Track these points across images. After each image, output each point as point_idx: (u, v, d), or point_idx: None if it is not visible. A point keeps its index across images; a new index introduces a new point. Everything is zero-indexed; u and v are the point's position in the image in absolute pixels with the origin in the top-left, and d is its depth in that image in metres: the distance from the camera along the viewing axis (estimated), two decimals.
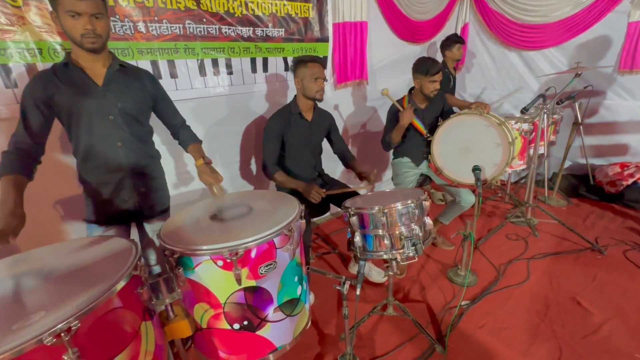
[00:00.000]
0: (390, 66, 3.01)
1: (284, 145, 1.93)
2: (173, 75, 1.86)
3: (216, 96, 2.07)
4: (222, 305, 1.02)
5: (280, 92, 2.38)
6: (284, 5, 2.15)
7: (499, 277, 2.10)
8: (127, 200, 1.36)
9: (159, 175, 1.49)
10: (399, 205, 1.41)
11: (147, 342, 0.92)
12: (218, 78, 2.03)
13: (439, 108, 2.32)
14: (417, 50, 3.20)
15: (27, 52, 1.43)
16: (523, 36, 3.23)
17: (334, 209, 2.15)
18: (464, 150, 2.10)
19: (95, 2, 1.12)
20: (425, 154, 2.27)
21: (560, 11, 2.96)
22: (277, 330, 1.11)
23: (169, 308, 1.09)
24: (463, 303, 1.87)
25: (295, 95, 1.95)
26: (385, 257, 1.45)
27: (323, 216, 2.25)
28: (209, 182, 1.30)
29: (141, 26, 1.69)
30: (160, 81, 1.82)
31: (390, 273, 1.61)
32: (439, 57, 3.30)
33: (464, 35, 3.54)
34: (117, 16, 1.62)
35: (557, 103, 2.77)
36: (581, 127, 2.84)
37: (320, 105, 2.03)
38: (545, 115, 2.46)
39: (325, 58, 2.49)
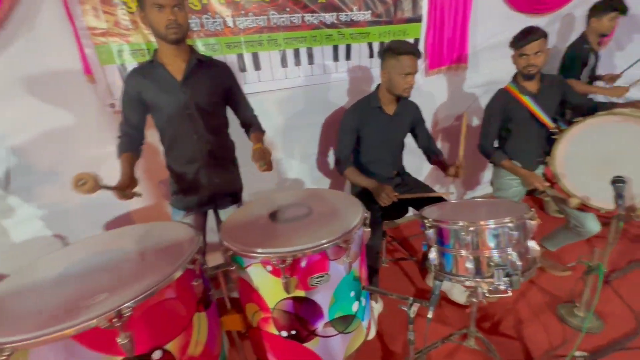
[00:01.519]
0: (499, 46, 2.46)
1: (360, 140, 1.78)
2: (257, 67, 1.90)
3: (297, 87, 2.04)
4: (271, 310, 0.98)
5: (364, 81, 2.21)
6: None
7: None
8: (203, 189, 1.44)
9: (232, 166, 1.55)
10: (491, 224, 1.12)
11: (199, 332, 0.94)
12: (299, 68, 1.99)
13: (558, 94, 1.78)
14: (539, 24, 2.55)
15: (139, 52, 1.64)
16: None
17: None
18: (606, 163, 1.49)
19: None
20: (543, 158, 1.79)
21: None
22: (327, 345, 1.02)
23: (227, 300, 1.12)
24: (578, 354, 1.44)
25: (378, 85, 1.76)
26: (467, 283, 1.19)
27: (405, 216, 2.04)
28: (259, 161, 1.25)
29: (230, 21, 1.75)
30: (245, 73, 1.91)
31: (474, 300, 1.33)
32: (575, 30, 2.59)
33: None
34: (209, 13, 1.71)
35: None
36: None
37: None
38: None
39: (417, 42, 2.20)
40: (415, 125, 1.86)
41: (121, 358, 0.77)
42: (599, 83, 2.56)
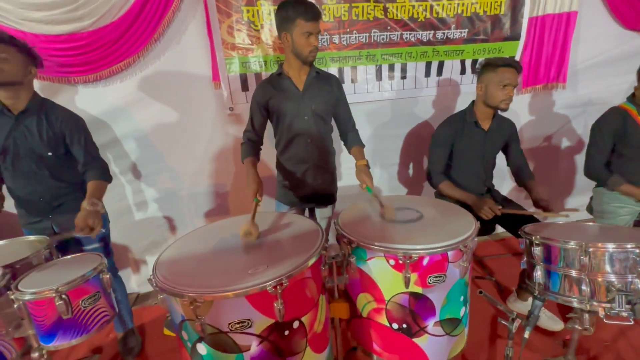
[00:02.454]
0: (604, 64, 2.35)
1: (452, 155, 1.81)
2: (354, 80, 2.05)
3: (387, 100, 2.16)
4: (386, 302, 1.07)
5: (451, 97, 2.25)
6: (472, 4, 2.00)
7: None
8: (307, 187, 1.60)
9: (333, 169, 1.68)
10: (610, 247, 1.09)
11: (321, 312, 1.06)
12: (392, 82, 2.10)
13: None
14: None
15: (258, 64, 1.88)
16: None
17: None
18: None
19: (319, 22, 1.38)
20: None
21: None
22: (434, 344, 1.08)
23: (336, 288, 1.23)
24: None
25: (473, 101, 1.78)
26: (576, 305, 1.16)
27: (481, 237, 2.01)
28: (365, 181, 1.36)
29: (335, 38, 1.93)
30: (343, 85, 2.07)
31: (577, 327, 1.28)
32: None
33: None
34: (319, 30, 1.89)
35: None
36: None
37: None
38: None
39: (513, 58, 2.18)
40: (509, 143, 1.84)
41: (272, 321, 0.91)
42: None
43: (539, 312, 1.31)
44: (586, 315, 1.21)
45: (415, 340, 1.07)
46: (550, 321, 1.72)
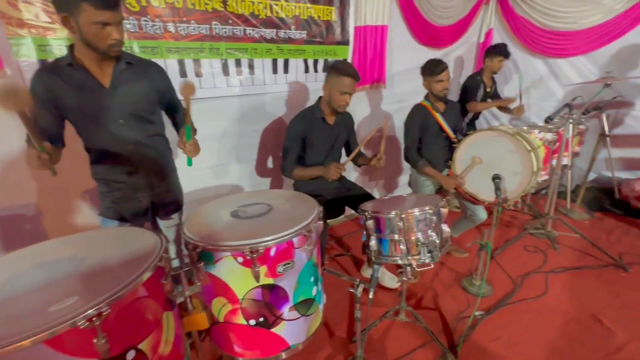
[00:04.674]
0: (409, 71, 2.99)
1: (306, 147, 1.94)
2: (198, 74, 1.91)
3: (237, 96, 2.11)
4: (240, 301, 1.04)
5: (300, 94, 2.41)
6: (307, 8, 2.17)
7: (516, 289, 2.05)
8: (141, 200, 1.36)
9: (172, 173, 1.48)
10: (416, 211, 1.40)
11: (167, 331, 0.95)
12: (240, 78, 2.07)
13: (456, 115, 2.28)
14: (436, 56, 3.16)
15: (65, 48, 1.50)
16: (550, 43, 3.14)
17: (348, 211, 2.16)
18: (488, 165, 1.98)
19: (120, 10, 1.08)
20: (447, 161, 2.23)
21: (592, 18, 2.87)
22: (292, 328, 1.13)
23: (188, 300, 1.12)
24: (477, 313, 1.84)
25: (320, 98, 1.95)
26: (400, 262, 1.44)
27: (337, 218, 2.27)
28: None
29: (170, 26, 1.74)
30: (185, 79, 1.89)
31: (404, 279, 1.60)
32: (455, 62, 3.27)
33: (488, 41, 3.48)
34: (149, 16, 1.67)
35: (583, 113, 2.69)
36: (608, 138, 2.75)
37: None
38: (571, 125, 2.39)
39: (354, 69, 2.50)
40: (350, 134, 2.12)
41: None
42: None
43: (378, 274, 1.57)
44: (408, 268, 1.51)
45: (273, 330, 1.10)
46: (391, 281, 2.09)
